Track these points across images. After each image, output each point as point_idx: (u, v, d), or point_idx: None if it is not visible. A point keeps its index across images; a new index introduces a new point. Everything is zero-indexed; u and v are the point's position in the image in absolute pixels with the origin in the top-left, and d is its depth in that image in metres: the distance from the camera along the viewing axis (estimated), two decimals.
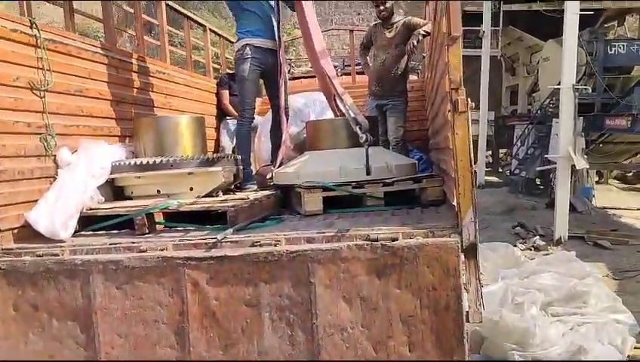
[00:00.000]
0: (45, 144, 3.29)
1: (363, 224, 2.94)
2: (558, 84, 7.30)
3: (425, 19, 5.25)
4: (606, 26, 14.42)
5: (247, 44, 4.26)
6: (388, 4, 4.99)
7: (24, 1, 3.44)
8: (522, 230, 7.61)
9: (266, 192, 3.92)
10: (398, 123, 5.08)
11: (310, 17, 4.09)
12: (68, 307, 2.69)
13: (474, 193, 2.53)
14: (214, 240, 2.77)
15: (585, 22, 7.40)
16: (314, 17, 4.14)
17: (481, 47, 11.74)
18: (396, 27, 5.01)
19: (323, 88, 4.55)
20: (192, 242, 2.83)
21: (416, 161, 4.51)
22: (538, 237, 7.24)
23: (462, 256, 2.50)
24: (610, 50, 8.93)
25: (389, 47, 5.02)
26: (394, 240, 2.52)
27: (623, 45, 9.05)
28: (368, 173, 3.62)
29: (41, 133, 3.27)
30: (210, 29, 6.59)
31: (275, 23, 4.38)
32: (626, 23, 15.37)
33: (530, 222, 8.18)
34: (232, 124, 6.21)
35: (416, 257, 2.46)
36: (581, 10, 6.91)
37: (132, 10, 5.16)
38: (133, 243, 2.87)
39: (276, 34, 4.36)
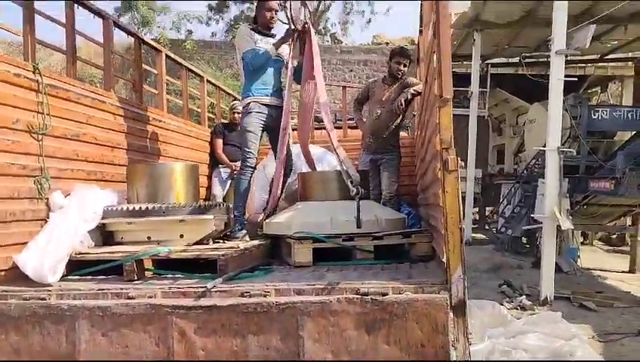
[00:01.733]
0: (39, 187, 3.32)
1: (353, 277, 2.95)
2: (544, 145, 7.47)
3: (418, 79, 5.45)
4: (589, 91, 14.95)
5: (252, 101, 4.48)
6: (407, 68, 5.23)
7: (29, 47, 3.53)
8: (509, 289, 7.59)
9: (256, 242, 3.93)
10: (391, 178, 5.19)
11: (317, 70, 4.31)
12: (52, 352, 2.64)
13: (463, 250, 2.57)
14: (204, 289, 2.77)
15: (569, 86, 7.67)
16: (320, 73, 4.36)
17: (469, 107, 12.04)
18: (396, 83, 5.22)
19: (301, 139, 4.77)
20: (181, 290, 2.82)
21: (406, 216, 4.57)
22: (524, 296, 7.22)
23: (451, 313, 2.51)
24: (594, 115, 9.19)
25: (385, 102, 5.20)
26: (384, 294, 2.54)
27: (606, 111, 9.32)
28: (359, 226, 3.65)
29: (35, 176, 3.30)
30: (207, 80, 6.75)
31: (279, 82, 4.66)
32: (608, 89, 15.95)
33: (516, 280, 8.16)
34: (224, 172, 6.28)
35: (405, 313, 2.46)
36: (565, 75, 7.17)
37: (127, 57, 5.32)
38: (122, 289, 2.85)
39: (285, 93, 4.60)
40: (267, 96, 4.52)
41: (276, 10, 4.56)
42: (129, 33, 5.06)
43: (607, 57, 13.30)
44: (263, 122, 4.50)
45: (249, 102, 4.48)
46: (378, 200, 5.14)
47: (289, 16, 4.29)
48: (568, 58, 7.71)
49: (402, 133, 6.78)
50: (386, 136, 5.22)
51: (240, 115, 4.64)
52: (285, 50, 4.63)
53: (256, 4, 4.74)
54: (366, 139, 5.40)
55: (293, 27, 4.34)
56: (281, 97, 4.64)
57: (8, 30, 3.57)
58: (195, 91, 7.18)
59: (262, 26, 4.56)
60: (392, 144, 5.28)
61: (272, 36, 4.58)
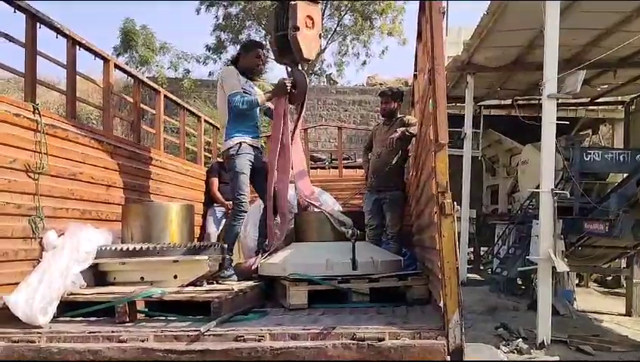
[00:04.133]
0: (33, 226, 3.30)
1: (349, 321, 2.92)
2: (537, 186, 7.52)
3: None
4: (581, 133, 15.15)
5: (241, 141, 4.43)
6: (392, 105, 5.34)
7: (30, 87, 3.56)
8: (505, 332, 7.50)
9: (250, 283, 3.89)
10: (395, 218, 5.23)
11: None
12: None
13: (460, 295, 2.55)
14: (197, 333, 2.72)
15: (561, 129, 7.77)
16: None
17: (462, 148, 12.15)
18: (394, 122, 5.31)
19: (304, 187, 4.79)
20: (173, 334, 2.76)
21: (402, 258, 4.55)
22: (521, 339, 7.12)
23: (448, 359, 2.47)
24: (586, 157, 9.26)
25: (385, 141, 5.26)
26: (380, 340, 2.50)
27: (598, 153, 9.41)
28: (354, 268, 3.63)
29: (30, 215, 3.29)
30: (205, 120, 6.80)
31: (259, 123, 4.74)
32: (599, 131, 16.19)
33: (512, 323, 8.06)
34: (219, 211, 6.25)
35: (402, 359, 2.43)
36: (557, 118, 7.28)
37: (125, 95, 5.39)
38: (113, 332, 2.79)
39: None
40: (254, 137, 4.54)
41: (262, 60, 4.61)
42: (129, 75, 5.13)
43: (597, 100, 13.56)
44: (251, 163, 4.47)
45: (239, 143, 4.41)
46: (378, 240, 5.16)
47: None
48: (560, 101, 7.86)
49: None
50: (387, 174, 5.28)
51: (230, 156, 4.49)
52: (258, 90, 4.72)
53: (244, 46, 4.72)
54: (369, 179, 5.48)
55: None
56: (259, 138, 4.72)
57: (9, 70, 3.61)
58: (191, 130, 7.24)
59: (245, 70, 4.53)
60: (394, 182, 5.32)
61: (253, 80, 4.64)
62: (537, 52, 8.79)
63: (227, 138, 4.50)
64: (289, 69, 4.49)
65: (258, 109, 4.61)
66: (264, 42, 4.55)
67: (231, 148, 4.44)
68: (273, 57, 4.68)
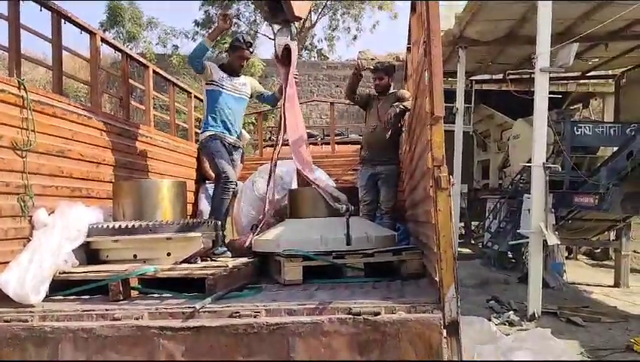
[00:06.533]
0: (22, 204, 3.24)
1: (344, 296, 2.92)
2: (529, 161, 7.54)
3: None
4: (572, 107, 15.16)
5: (214, 135, 4.57)
6: (384, 81, 5.31)
7: (14, 62, 3.46)
8: (497, 304, 7.60)
9: (245, 259, 3.87)
10: (390, 193, 5.22)
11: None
12: None
13: (456, 268, 2.55)
14: (192, 310, 2.70)
15: (552, 102, 7.77)
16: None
17: (453, 123, 12.11)
18: (388, 96, 5.26)
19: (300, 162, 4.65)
20: (168, 311, 2.75)
21: (396, 233, 4.54)
22: (512, 312, 7.23)
23: (444, 333, 2.48)
24: (577, 131, 9.29)
25: (380, 115, 5.22)
26: (376, 314, 2.50)
27: (589, 127, 9.44)
28: (349, 244, 3.62)
29: (19, 193, 3.23)
30: (195, 96, 6.70)
31: (241, 123, 4.84)
32: (590, 105, 16.20)
33: (503, 295, 8.18)
34: (211, 188, 6.19)
35: (398, 333, 2.43)
36: (549, 92, 7.26)
37: (113, 72, 5.29)
38: (107, 310, 2.77)
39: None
40: (229, 134, 4.65)
41: (247, 59, 4.82)
42: (117, 49, 5.02)
43: (588, 75, 13.53)
44: (225, 149, 4.58)
45: (212, 135, 4.55)
46: (372, 215, 5.15)
47: (275, 52, 4.41)
48: (551, 75, 7.81)
49: None
50: (382, 148, 5.23)
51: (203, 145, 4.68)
52: (247, 87, 4.81)
53: (231, 45, 4.84)
54: (362, 151, 5.42)
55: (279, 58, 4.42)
56: (239, 139, 4.83)
57: None
58: (181, 106, 7.13)
59: (229, 67, 4.72)
60: (389, 156, 5.28)
61: (238, 76, 4.76)
62: (529, 25, 8.72)
63: (201, 131, 4.72)
64: (276, 29, 4.39)
65: (242, 110, 4.81)
66: (252, 40, 4.56)
67: (203, 139, 4.62)
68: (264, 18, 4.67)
